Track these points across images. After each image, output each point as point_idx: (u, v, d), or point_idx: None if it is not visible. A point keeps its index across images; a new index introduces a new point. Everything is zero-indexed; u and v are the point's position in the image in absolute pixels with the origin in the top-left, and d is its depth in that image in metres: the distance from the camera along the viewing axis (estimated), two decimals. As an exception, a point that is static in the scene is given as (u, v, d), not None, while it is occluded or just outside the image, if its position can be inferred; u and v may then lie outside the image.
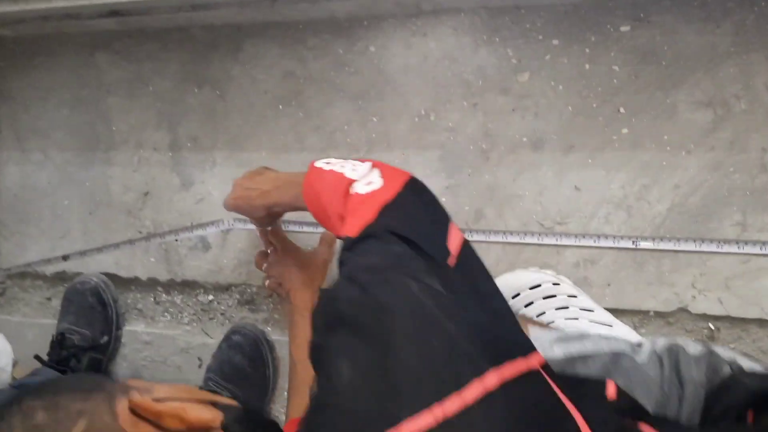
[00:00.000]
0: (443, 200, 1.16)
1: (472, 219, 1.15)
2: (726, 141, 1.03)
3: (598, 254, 1.09)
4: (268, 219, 1.07)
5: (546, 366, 0.51)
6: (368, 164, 0.71)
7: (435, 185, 1.17)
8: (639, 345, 0.84)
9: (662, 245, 1.04)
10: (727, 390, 0.67)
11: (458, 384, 0.41)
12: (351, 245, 0.57)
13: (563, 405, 0.47)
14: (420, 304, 0.46)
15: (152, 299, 1.39)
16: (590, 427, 0.47)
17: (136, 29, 1.33)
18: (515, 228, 1.13)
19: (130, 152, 1.36)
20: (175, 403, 0.47)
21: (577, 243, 1.08)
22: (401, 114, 1.19)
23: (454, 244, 0.58)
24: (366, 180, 0.66)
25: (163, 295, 1.38)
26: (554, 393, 0.48)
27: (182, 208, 1.33)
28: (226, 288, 1.33)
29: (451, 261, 0.56)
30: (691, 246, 1.03)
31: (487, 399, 0.40)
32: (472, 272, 0.57)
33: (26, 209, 1.44)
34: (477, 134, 1.15)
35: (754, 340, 1.04)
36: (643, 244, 1.05)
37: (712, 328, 1.06)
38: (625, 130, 1.07)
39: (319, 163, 0.80)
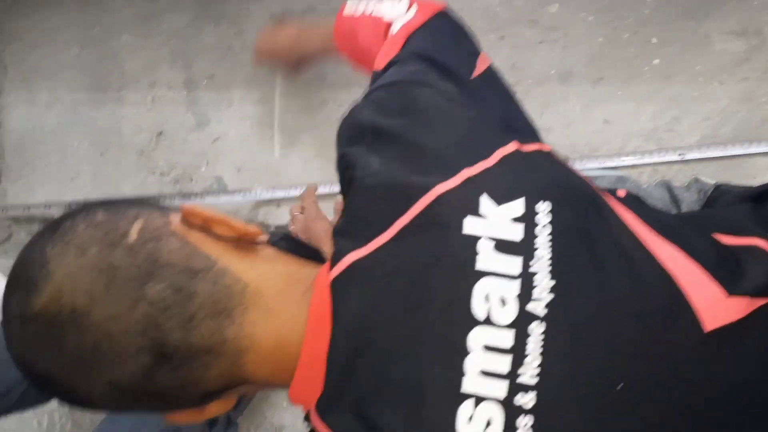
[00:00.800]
0: (468, 136, 1.14)
1: (497, 154, 1.13)
2: (759, 71, 1.02)
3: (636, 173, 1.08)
4: (296, 65, 1.07)
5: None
6: (405, 2, 0.69)
7: (460, 120, 1.15)
8: None
9: (709, 152, 1.01)
10: (716, 199, 0.72)
11: (486, 154, 0.46)
12: (374, 78, 0.60)
13: (577, 175, 0.51)
14: (434, 102, 0.51)
15: (165, 243, 1.36)
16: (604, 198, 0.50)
17: (150, -38, 1.30)
18: (542, 163, 1.11)
19: (143, 91, 1.33)
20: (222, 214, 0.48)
21: (619, 163, 1.05)
22: (426, 48, 1.16)
23: (480, 67, 0.60)
24: (403, 18, 0.66)
25: (177, 238, 1.35)
26: (566, 166, 0.52)
27: (197, 148, 1.30)
28: (242, 230, 1.30)
29: (474, 75, 0.58)
30: (738, 149, 1.00)
31: (504, 159, 0.46)
32: (493, 83, 0.60)
33: (33, 152, 1.40)
34: (503, 67, 1.11)
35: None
36: (690, 155, 1.02)
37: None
38: (656, 61, 1.06)
39: (348, 10, 0.77)
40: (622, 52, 1.07)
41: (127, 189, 1.33)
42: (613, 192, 0.67)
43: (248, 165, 1.26)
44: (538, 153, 0.49)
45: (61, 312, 0.41)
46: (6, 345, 0.44)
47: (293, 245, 0.51)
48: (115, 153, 1.35)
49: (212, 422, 1.05)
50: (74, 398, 0.44)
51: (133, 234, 0.44)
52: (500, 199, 0.45)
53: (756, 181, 0.99)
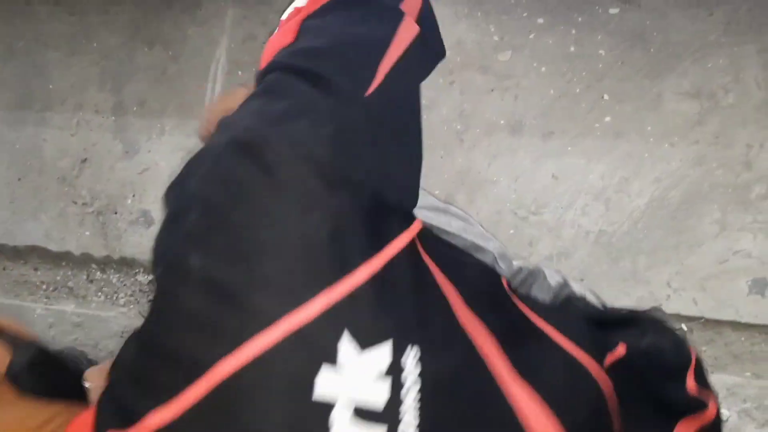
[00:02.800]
0: (412, 183, 1.09)
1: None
2: (711, 135, 0.99)
3: (572, 247, 1.03)
4: None
5: (422, 233, 0.43)
6: None
7: (404, 166, 1.09)
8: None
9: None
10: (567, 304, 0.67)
11: (348, 268, 0.36)
12: (256, 78, 0.46)
13: (434, 279, 0.42)
14: (296, 186, 0.38)
15: (85, 277, 1.26)
16: (461, 294, 0.42)
17: (81, -23, 1.21)
18: (487, 215, 1.06)
19: (69, 113, 1.23)
20: None
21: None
22: (372, 88, 1.10)
23: (384, 66, 0.45)
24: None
25: (98, 272, 1.26)
26: (425, 267, 0.42)
27: (124, 178, 1.21)
28: (168, 267, 1.21)
29: (373, 86, 0.44)
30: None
31: (375, 278, 0.36)
32: (394, 94, 0.46)
33: (-55, 171, 1.29)
34: (452, 114, 1.07)
35: (726, 343, 1.01)
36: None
37: (685, 329, 1.02)
38: (607, 118, 1.02)
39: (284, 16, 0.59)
40: (574, 107, 1.03)
41: (46, 218, 1.23)
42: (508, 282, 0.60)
43: (178, 199, 1.18)
44: (400, 259, 0.39)
45: None
46: None
47: (42, 380, 0.38)
48: (34, 178, 1.24)
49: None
50: None
51: None
52: (364, 341, 0.36)
53: (702, 250, 0.96)
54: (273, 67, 0.45)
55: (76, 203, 1.23)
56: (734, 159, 0.98)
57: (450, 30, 1.07)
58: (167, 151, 1.19)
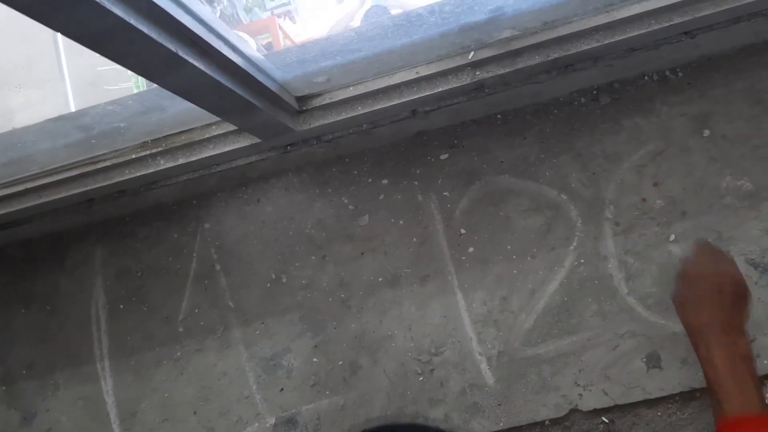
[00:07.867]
0: (314, 360, 1.10)
1: (348, 373, 1.10)
2: (562, 238, 1.08)
3: (480, 376, 1.07)
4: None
5: None
6: None
7: (303, 347, 1.11)
8: None
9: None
10: None
11: None
12: None
13: None
14: None
15: None
16: None
17: (-59, 261, 1.21)
18: (393, 369, 1.09)
19: (-46, 398, 1.19)
20: None
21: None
22: (251, 283, 1.14)
23: None
24: None
25: None
26: None
27: (27, 447, 1.16)
28: None
29: None
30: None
31: None
32: None
33: None
34: (333, 285, 1.12)
35: (647, 422, 1.05)
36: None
37: (606, 421, 1.05)
38: (471, 249, 1.10)
39: None
40: (438, 248, 1.10)
41: None
42: None
43: (88, 451, 1.13)
44: None
45: None
46: None
47: None
48: (-70, 476, 1.17)
49: None
50: None
51: None
52: None
53: (593, 343, 1.02)
54: None
55: (-20, 490, 1.15)
56: (589, 253, 1.07)
57: (308, 212, 1.14)
58: (66, 405, 1.15)
